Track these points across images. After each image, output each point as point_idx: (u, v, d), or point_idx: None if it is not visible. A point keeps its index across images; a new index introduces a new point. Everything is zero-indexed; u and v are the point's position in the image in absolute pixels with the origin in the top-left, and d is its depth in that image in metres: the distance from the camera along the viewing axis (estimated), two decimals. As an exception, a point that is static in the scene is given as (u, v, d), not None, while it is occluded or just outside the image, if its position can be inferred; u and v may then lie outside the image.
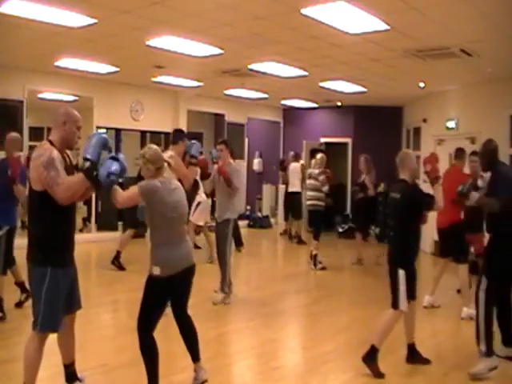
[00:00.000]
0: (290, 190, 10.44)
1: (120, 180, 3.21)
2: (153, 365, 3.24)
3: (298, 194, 10.31)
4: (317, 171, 7.92)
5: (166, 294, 3.33)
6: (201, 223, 7.97)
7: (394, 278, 3.93)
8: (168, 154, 4.92)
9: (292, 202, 10.47)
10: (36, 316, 3.00)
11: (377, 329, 3.99)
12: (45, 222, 2.99)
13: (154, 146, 3.45)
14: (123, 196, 3.35)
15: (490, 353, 3.89)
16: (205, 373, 3.48)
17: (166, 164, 3.55)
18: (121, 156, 3.19)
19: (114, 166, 3.10)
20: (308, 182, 8.15)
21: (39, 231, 3.02)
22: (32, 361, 3.02)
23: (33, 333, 3.03)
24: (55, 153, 2.99)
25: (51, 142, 3.07)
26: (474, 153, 5.72)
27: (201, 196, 7.86)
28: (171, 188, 3.35)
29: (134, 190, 3.34)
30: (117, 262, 7.19)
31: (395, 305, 3.91)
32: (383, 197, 10.16)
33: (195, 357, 3.47)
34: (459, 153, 5.80)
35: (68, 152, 3.23)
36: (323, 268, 7.82)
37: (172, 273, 3.25)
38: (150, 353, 3.24)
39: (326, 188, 7.84)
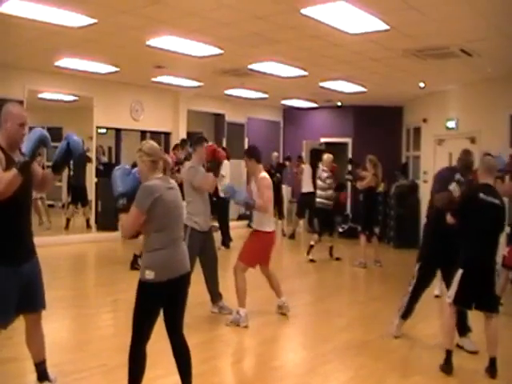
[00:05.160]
0: (306, 190, 10.45)
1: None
2: (135, 379, 2.96)
3: (313, 193, 10.25)
4: (325, 174, 8.28)
5: (159, 303, 3.00)
6: None
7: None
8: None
9: (308, 201, 10.41)
10: None
11: None
12: None
13: (152, 141, 3.19)
14: (128, 223, 2.98)
15: None
16: None
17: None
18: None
19: (122, 186, 2.99)
20: (318, 182, 8.51)
21: None
22: None
23: None
24: None
25: None
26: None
27: None
28: (168, 186, 3.04)
29: (133, 211, 2.93)
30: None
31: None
32: (384, 197, 10.22)
33: None
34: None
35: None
36: (338, 258, 8.62)
37: (167, 278, 2.93)
38: (135, 368, 2.96)
39: (329, 192, 8.33)
